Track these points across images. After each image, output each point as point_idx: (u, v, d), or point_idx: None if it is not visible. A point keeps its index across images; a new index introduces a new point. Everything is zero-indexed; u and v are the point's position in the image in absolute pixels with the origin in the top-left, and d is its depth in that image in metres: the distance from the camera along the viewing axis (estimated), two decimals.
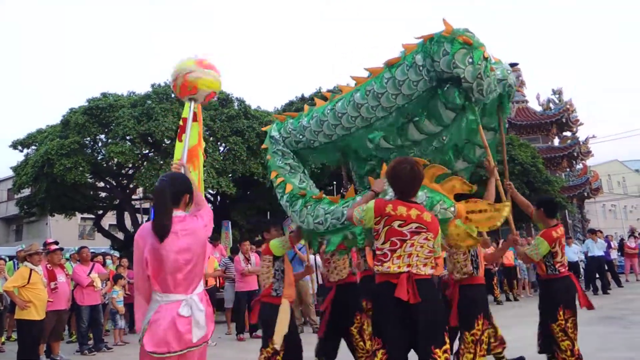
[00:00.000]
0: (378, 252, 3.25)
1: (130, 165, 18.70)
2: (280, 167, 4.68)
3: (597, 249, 14.69)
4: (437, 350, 3.01)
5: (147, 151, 18.05)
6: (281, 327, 4.54)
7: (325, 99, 4.45)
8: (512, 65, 38.63)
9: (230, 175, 17.73)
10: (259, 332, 9.05)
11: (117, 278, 9.76)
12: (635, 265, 17.16)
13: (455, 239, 3.50)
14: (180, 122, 8.89)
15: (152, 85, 18.35)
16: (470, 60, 3.40)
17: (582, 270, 15.17)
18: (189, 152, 8.48)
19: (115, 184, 19.91)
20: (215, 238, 10.99)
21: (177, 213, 2.81)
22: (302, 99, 28.51)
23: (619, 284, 15.06)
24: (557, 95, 33.63)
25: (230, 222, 17.60)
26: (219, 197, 21.03)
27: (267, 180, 18.90)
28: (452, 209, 3.47)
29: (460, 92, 3.47)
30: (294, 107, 27.67)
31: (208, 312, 2.78)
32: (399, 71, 3.67)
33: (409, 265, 3.12)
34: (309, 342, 8.21)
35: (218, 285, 10.31)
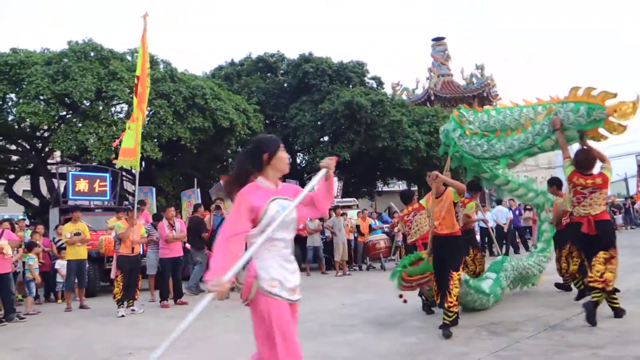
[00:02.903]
0: (572, 202, 5.66)
1: (45, 127, 17.57)
2: (470, 128, 7.06)
3: (500, 217, 15.87)
4: (602, 252, 5.32)
5: (63, 113, 16.99)
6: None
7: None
8: (438, 39, 39.58)
9: (155, 139, 17.13)
10: (184, 299, 9.05)
11: (31, 246, 9.30)
12: None
13: (613, 125, 5.65)
14: (135, 80, 8.73)
15: (69, 43, 17.17)
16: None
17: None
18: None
19: (28, 147, 18.67)
20: (141, 203, 10.66)
21: None
22: (232, 64, 27.90)
23: (527, 249, 16.29)
24: (479, 70, 34.97)
25: (154, 189, 17.08)
26: (143, 162, 20.32)
27: (195, 145, 18.56)
28: (605, 111, 5.62)
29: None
30: (224, 71, 27.05)
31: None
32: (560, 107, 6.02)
33: (592, 210, 5.44)
34: (232, 306, 8.31)
35: (142, 252, 10.07)
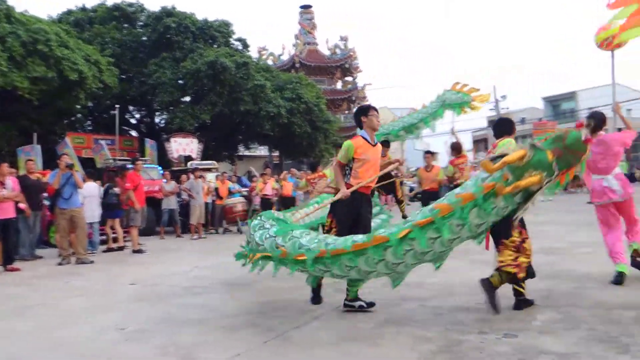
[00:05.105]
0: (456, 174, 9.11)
1: None
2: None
3: None
4: None
5: None
6: None
7: None
8: (306, 7, 39.86)
9: None
10: (15, 265, 8.19)
11: None
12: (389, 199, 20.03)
13: (475, 106, 8.79)
14: None
15: None
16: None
17: None
18: None
19: None
20: None
21: None
22: (83, 10, 25.32)
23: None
24: (343, 42, 36.06)
25: None
26: None
27: (35, 97, 16.59)
28: (471, 97, 8.69)
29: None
30: (73, 17, 24.44)
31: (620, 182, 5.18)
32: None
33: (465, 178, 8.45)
34: (74, 272, 7.78)
35: None
